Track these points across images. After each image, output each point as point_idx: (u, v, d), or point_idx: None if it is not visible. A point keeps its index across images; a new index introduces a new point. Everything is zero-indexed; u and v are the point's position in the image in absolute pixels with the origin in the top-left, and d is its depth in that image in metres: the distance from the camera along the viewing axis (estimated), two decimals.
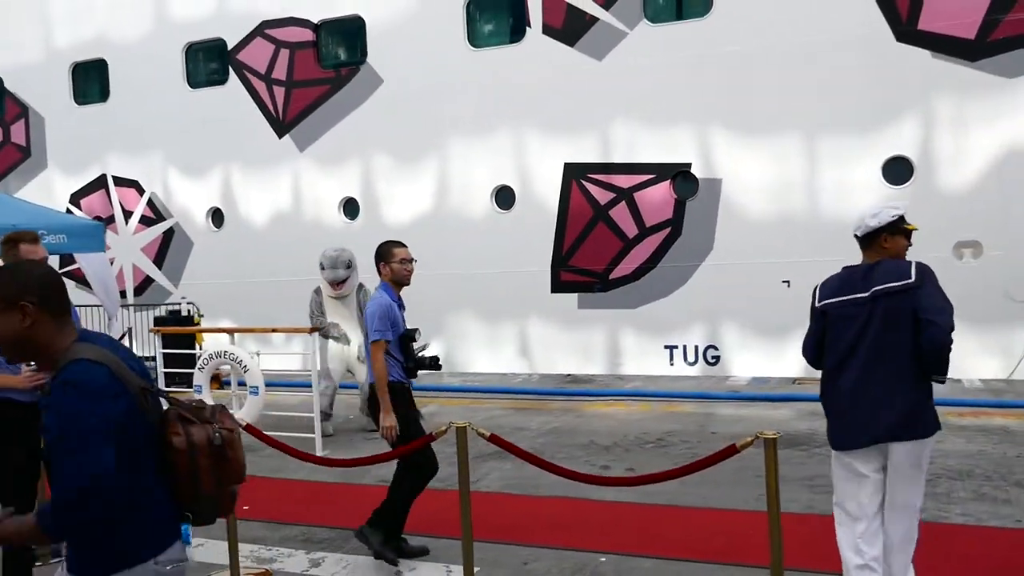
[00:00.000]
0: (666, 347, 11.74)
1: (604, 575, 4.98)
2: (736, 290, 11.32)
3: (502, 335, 12.59)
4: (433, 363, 5.28)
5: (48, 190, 15.28)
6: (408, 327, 5.22)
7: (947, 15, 10.30)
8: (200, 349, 10.58)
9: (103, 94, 15.15)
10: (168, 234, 14.96)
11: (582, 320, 12.04)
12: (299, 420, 8.29)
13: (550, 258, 12.16)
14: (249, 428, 5.11)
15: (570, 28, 11.92)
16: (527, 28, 12.21)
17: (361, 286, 8.78)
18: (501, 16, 12.67)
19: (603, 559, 5.15)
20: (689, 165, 11.53)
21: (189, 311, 12.63)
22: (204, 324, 12.46)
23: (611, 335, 11.99)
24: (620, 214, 11.85)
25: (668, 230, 11.72)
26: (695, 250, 11.56)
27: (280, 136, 13.78)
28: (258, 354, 8.11)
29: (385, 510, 5.18)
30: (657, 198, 11.72)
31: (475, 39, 12.58)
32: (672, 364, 11.76)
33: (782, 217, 11.24)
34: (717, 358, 11.64)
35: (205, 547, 5.58)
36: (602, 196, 11.95)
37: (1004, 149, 10.33)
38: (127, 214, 15.10)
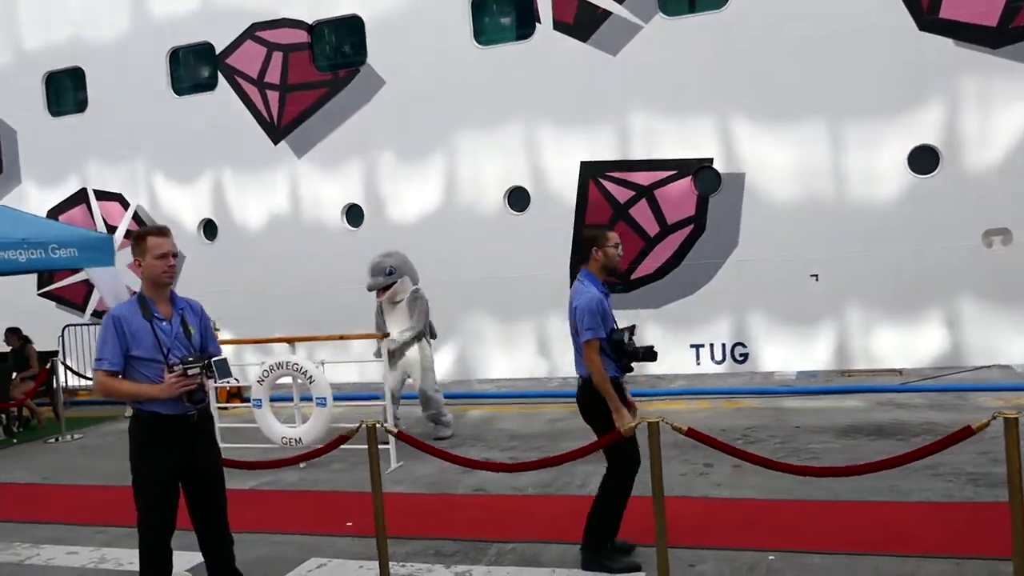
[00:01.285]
0: (692, 346, 11.70)
1: (780, 572, 4.84)
2: (763, 286, 11.32)
3: (518, 339, 12.42)
4: (648, 355, 4.93)
5: (24, 206, 14.63)
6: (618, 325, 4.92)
7: (969, 2, 10.43)
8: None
9: (80, 104, 14.71)
10: None
11: None
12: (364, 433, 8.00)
13: (568, 260, 11.99)
14: (403, 436, 4.97)
15: (582, 23, 11.84)
16: (536, 23, 12.07)
17: (417, 292, 8.59)
18: (508, 12, 12.55)
19: (772, 556, 5.04)
20: (711, 160, 11.49)
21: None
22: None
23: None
24: (641, 212, 11.79)
25: (691, 227, 11.68)
26: (719, 246, 11.52)
27: (276, 142, 13.47)
28: (323, 363, 7.79)
29: (603, 515, 4.95)
30: (679, 195, 11.65)
31: (481, 36, 12.40)
32: (699, 363, 11.71)
33: (808, 211, 11.24)
34: (745, 355, 11.61)
35: (328, 567, 5.41)
36: (621, 194, 11.86)
37: None
38: (111, 229, 14.59)
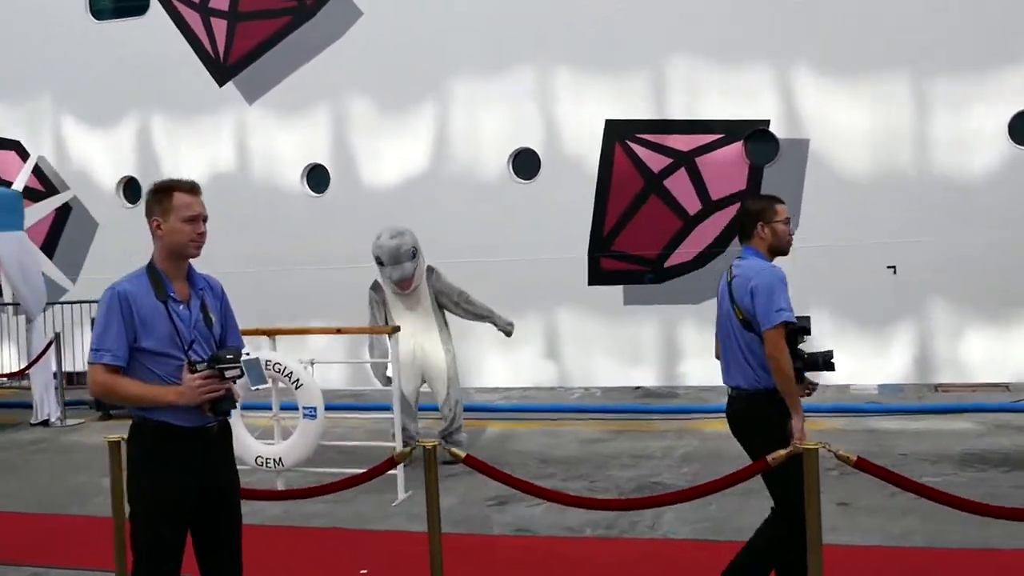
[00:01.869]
0: None
1: None
2: (827, 279, 10.09)
3: (522, 339, 10.77)
4: (827, 363, 4.45)
5: None
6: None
7: None
8: None
9: None
10: (62, 212, 12.95)
11: (628, 319, 10.77)
12: (366, 453, 6.91)
13: (587, 241, 10.82)
14: (471, 460, 4.45)
15: None
16: None
17: (431, 270, 7.64)
18: None
19: None
20: (767, 122, 10.35)
21: None
22: None
23: (666, 338, 10.75)
24: (679, 184, 10.60)
25: (740, 204, 10.02)
26: None
27: (221, 83, 12.07)
28: (312, 364, 6.79)
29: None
30: (726, 164, 10.48)
31: None
32: None
33: (886, 187, 10.10)
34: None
35: None
36: (655, 162, 10.66)
37: None
38: (4, 185, 12.78)
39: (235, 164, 12.00)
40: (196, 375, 3.47)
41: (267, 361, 6.32)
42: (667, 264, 10.60)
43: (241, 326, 3.91)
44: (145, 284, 3.58)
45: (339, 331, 7.20)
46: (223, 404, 3.55)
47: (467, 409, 9.14)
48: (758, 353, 4.30)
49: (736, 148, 10.35)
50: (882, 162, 10.00)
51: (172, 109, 12.18)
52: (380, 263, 7.47)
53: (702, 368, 10.27)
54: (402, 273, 7.35)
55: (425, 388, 7.78)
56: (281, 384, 6.68)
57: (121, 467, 4.74)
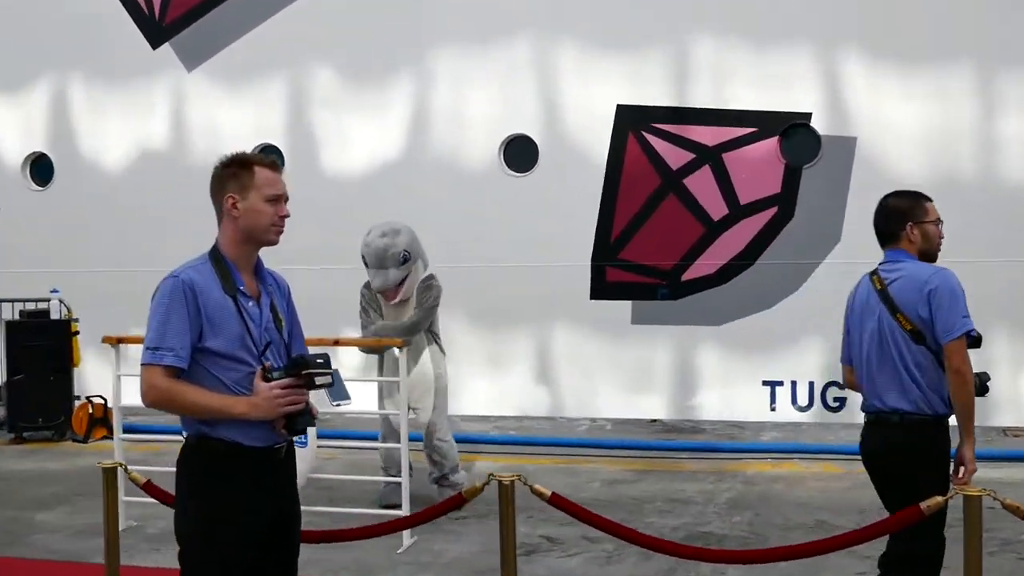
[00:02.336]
0: (765, 383, 9.59)
1: None
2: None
3: (511, 360, 10.27)
4: (983, 385, 4.12)
5: None
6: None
7: None
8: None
9: None
10: None
11: (637, 340, 9.99)
12: (346, 489, 6.83)
13: (591, 248, 9.97)
14: (557, 499, 4.08)
15: None
16: None
17: (430, 280, 6.86)
18: None
19: None
20: (808, 116, 9.56)
21: (60, 311, 9.83)
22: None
23: (682, 363, 9.97)
24: (701, 185, 9.79)
25: (774, 210, 9.69)
26: (814, 241, 9.60)
27: (155, 45, 11.09)
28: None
29: None
30: (758, 162, 9.68)
31: None
32: (774, 409, 9.65)
33: (945, 195, 8.89)
34: (841, 400, 9.51)
35: None
36: (675, 157, 9.85)
37: None
38: None
39: (170, 141, 11.05)
40: (274, 383, 3.23)
41: None
42: (685, 277, 9.83)
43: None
44: (211, 274, 3.33)
45: (337, 343, 6.52)
46: (300, 420, 3.34)
47: (465, 440, 8.52)
48: (928, 370, 4.02)
49: (770, 145, 9.54)
50: (938, 170, 9.19)
51: (94, 73, 11.29)
52: (366, 265, 6.81)
53: (721, 400, 9.89)
54: (384, 281, 6.67)
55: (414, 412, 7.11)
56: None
57: (116, 500, 4.42)
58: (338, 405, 3.49)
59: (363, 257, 6.85)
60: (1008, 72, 9.22)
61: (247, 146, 10.39)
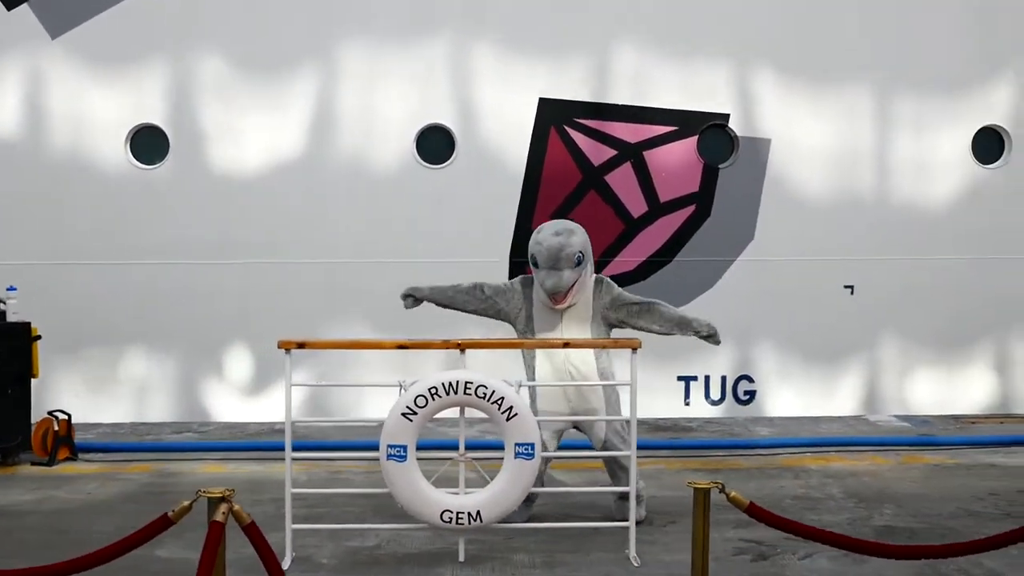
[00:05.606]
0: (680, 378, 9.85)
1: None
2: (782, 298, 9.80)
3: (422, 359, 9.40)
4: None
5: None
6: None
7: None
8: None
9: None
10: None
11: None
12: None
13: (509, 243, 9.75)
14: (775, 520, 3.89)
15: None
16: None
17: (600, 282, 6.35)
18: None
19: None
20: (726, 117, 9.79)
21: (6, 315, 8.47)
22: None
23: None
24: (622, 182, 9.78)
25: (692, 208, 9.85)
26: (729, 239, 9.86)
27: (10, 6, 9.69)
28: (521, 385, 5.69)
29: None
30: (678, 161, 9.80)
31: None
32: (688, 403, 9.93)
33: (848, 200, 10.02)
34: (752, 394, 9.96)
35: None
36: (596, 153, 9.82)
37: None
38: None
39: (25, 123, 9.62)
40: None
41: (467, 383, 5.42)
42: (604, 274, 9.27)
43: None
44: None
45: (401, 346, 5.99)
46: None
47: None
48: None
49: (690, 143, 9.65)
50: (843, 175, 9.72)
51: None
52: (535, 264, 6.22)
53: (643, 392, 9.66)
54: (557, 282, 6.07)
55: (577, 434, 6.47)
56: (481, 414, 5.60)
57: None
58: None
59: (532, 256, 6.31)
60: (900, 96, 9.71)
61: (119, 130, 9.55)
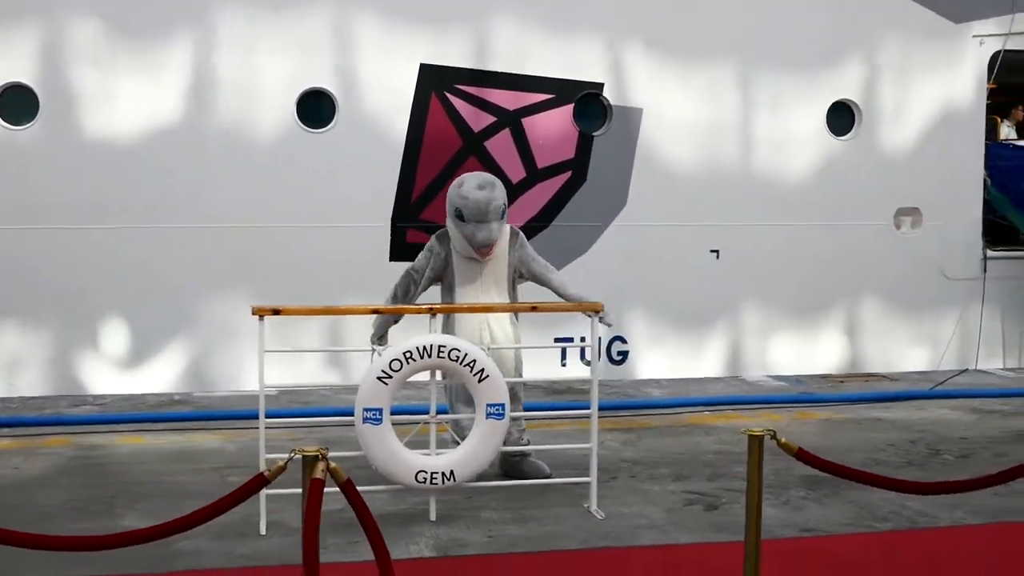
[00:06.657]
0: (557, 340, 9.85)
1: None
2: (653, 262, 10.17)
3: (302, 326, 9.43)
4: None
5: None
6: None
7: None
8: None
9: None
10: None
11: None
12: None
13: (391, 208, 9.72)
14: (804, 454, 4.17)
15: None
16: None
17: (516, 234, 6.57)
18: None
19: None
20: (601, 86, 10.05)
21: None
22: None
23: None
24: (502, 148, 9.88)
25: (568, 174, 10.07)
26: (603, 205, 10.10)
27: None
28: (490, 349, 5.97)
29: None
30: (555, 128, 10.00)
31: None
32: (564, 364, 10.15)
33: (714, 168, 10.43)
34: (624, 355, 10.32)
35: None
36: (476, 119, 9.89)
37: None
38: None
39: None
40: None
41: (440, 347, 5.51)
42: None
43: None
44: None
45: (375, 311, 6.21)
46: None
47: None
48: None
49: (566, 111, 9.88)
50: (708, 144, 10.12)
51: None
52: (460, 217, 6.24)
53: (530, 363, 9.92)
54: (488, 235, 6.21)
55: None
56: (452, 377, 5.84)
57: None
58: None
59: (458, 210, 6.30)
60: (760, 73, 10.18)
61: None
